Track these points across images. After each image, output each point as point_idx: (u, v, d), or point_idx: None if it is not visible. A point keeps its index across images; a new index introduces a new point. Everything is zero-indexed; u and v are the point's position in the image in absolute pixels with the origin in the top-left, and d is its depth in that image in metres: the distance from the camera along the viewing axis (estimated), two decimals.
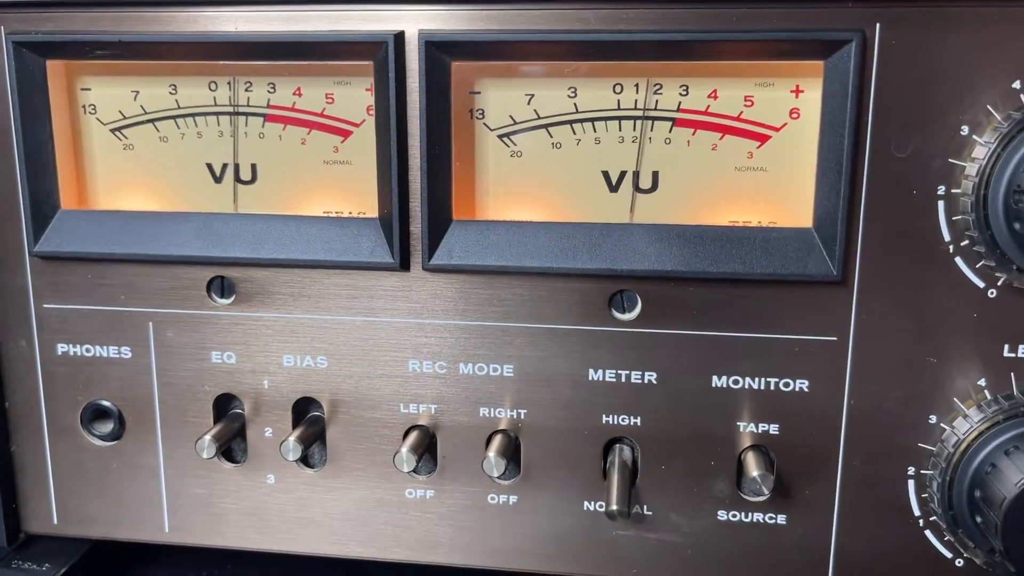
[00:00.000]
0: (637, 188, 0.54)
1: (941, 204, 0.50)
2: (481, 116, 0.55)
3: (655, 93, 0.53)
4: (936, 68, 0.48)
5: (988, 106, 0.48)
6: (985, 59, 0.48)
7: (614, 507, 0.53)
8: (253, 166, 0.57)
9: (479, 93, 0.55)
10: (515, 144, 0.55)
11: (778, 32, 0.49)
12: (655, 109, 0.53)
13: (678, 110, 0.53)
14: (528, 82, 0.54)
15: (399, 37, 0.52)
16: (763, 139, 0.53)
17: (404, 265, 0.54)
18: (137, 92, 0.57)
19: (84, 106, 0.58)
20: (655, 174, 0.54)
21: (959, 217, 0.49)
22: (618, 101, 0.53)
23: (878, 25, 0.48)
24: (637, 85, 0.53)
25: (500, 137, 0.55)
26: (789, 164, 0.52)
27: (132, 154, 0.58)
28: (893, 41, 0.48)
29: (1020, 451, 0.48)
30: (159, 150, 0.58)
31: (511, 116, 0.55)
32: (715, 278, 0.52)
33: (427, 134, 0.52)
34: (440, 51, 0.52)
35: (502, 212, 0.56)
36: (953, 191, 0.49)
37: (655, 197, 0.54)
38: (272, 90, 0.56)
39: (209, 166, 0.58)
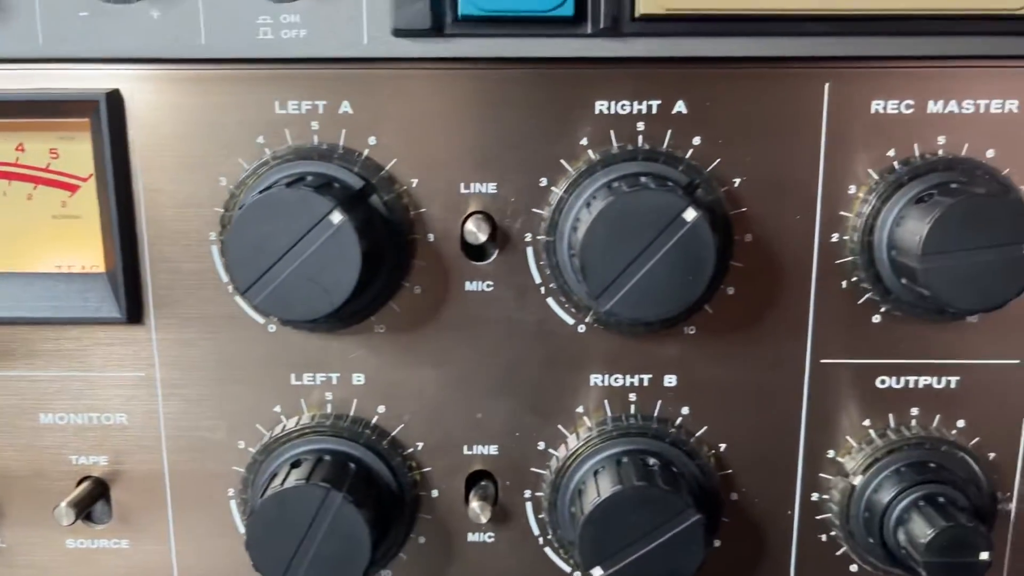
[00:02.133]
0: None
1: (214, 248, 0.54)
2: None
3: None
4: (191, 125, 0.53)
5: (240, 160, 0.53)
6: (234, 117, 0.53)
7: None
8: None
9: None
10: None
11: (31, 94, 0.52)
12: None
13: None
14: None
15: None
16: (74, 189, 0.56)
17: None
18: None
19: None
20: None
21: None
22: None
23: (129, 86, 0.52)
24: None
25: None
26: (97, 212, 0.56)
27: None
28: (145, 100, 0.52)
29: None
30: None
31: None
32: (29, 322, 0.55)
33: None
34: None
35: None
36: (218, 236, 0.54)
37: None
38: None
39: None
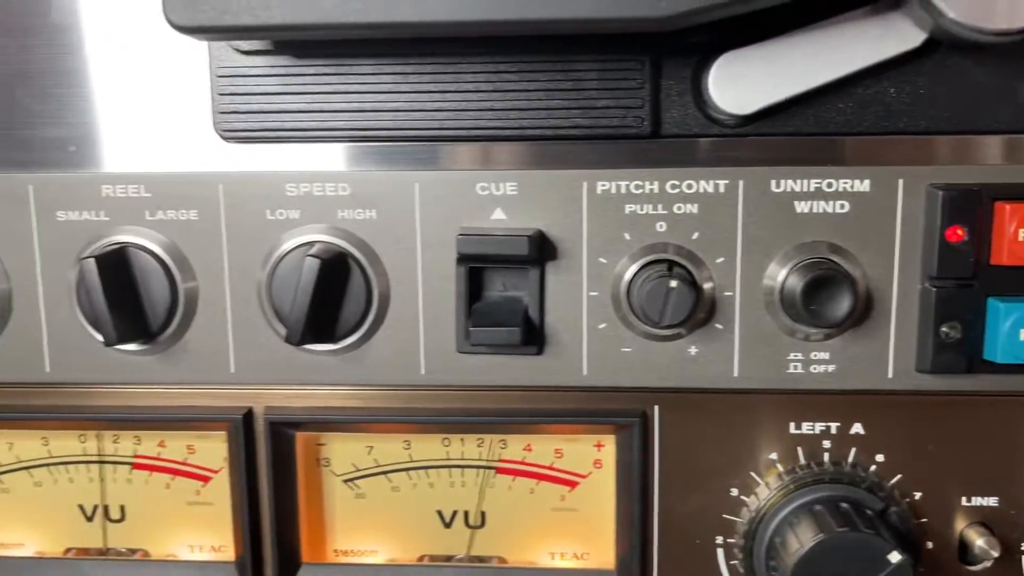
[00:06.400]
0: (468, 525, 0.62)
1: (720, 551, 0.58)
2: (327, 464, 0.62)
3: (478, 446, 0.61)
4: (706, 441, 0.57)
5: (752, 473, 0.57)
6: (745, 435, 0.57)
7: None
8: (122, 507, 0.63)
9: (324, 445, 0.62)
10: (359, 487, 0.62)
11: (575, 417, 0.57)
12: (461, 458, 0.61)
13: (498, 460, 0.61)
14: (368, 437, 0.61)
15: (248, 416, 0.59)
16: (573, 484, 0.61)
17: None
18: (12, 444, 0.63)
19: None
20: (483, 513, 0.62)
21: (734, 562, 0.58)
22: (447, 452, 0.61)
23: (657, 407, 0.57)
24: (463, 439, 0.61)
25: (345, 482, 0.62)
26: (596, 506, 0.60)
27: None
28: (671, 419, 0.57)
29: None
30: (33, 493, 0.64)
31: (354, 464, 0.62)
32: None
33: (274, 492, 0.60)
34: (284, 427, 0.59)
35: (350, 545, 0.62)
36: (729, 541, 0.58)
37: (484, 533, 0.62)
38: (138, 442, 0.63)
39: (81, 507, 0.64)
